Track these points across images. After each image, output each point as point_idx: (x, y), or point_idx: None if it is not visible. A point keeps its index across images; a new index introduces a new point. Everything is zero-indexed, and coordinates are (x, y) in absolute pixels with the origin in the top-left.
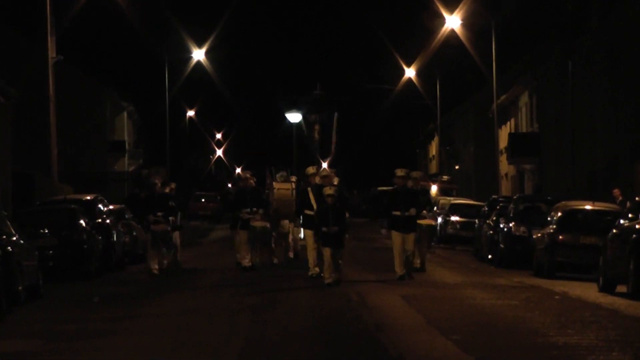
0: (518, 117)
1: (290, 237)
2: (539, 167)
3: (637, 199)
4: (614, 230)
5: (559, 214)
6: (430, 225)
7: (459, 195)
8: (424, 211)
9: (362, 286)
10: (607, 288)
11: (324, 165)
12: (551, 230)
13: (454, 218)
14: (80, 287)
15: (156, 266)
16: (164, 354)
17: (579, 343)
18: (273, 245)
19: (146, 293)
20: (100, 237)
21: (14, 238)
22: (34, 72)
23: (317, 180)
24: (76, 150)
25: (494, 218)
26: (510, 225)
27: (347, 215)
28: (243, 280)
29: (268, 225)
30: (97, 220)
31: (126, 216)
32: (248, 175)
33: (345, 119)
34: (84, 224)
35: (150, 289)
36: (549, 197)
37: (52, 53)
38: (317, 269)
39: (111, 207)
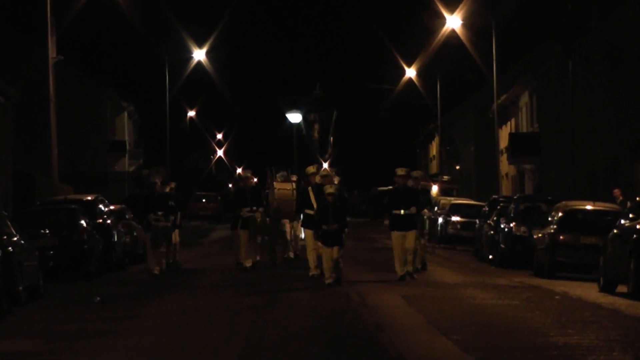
0: (518, 117)
1: (289, 237)
2: (539, 167)
3: (637, 199)
4: (615, 230)
5: (560, 214)
6: (429, 218)
7: (459, 195)
8: (425, 210)
9: (362, 286)
10: (608, 288)
11: (325, 165)
12: (552, 230)
13: (454, 218)
14: (81, 287)
15: (157, 267)
16: (164, 354)
17: (580, 343)
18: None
19: (146, 293)
20: (100, 238)
21: (15, 238)
22: (34, 72)
23: (318, 179)
24: (76, 150)
25: (495, 218)
26: (511, 225)
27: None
28: (243, 281)
29: (267, 219)
30: (98, 221)
31: (126, 216)
32: (249, 175)
33: (345, 119)
34: (84, 224)
35: (150, 289)
36: (549, 197)
37: (52, 53)
38: (317, 270)
39: (112, 207)
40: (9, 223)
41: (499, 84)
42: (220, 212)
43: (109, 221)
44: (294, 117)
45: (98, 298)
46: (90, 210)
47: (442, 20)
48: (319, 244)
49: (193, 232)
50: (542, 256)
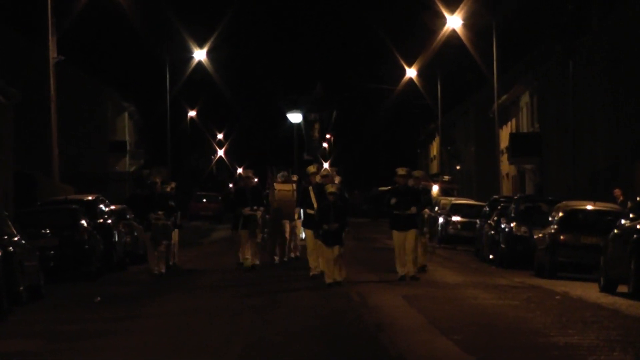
0: (519, 117)
1: (288, 237)
2: (539, 167)
3: (637, 199)
4: (615, 231)
5: (560, 214)
6: (430, 215)
7: (460, 195)
8: (426, 210)
9: (363, 286)
10: (608, 288)
11: (325, 164)
12: (552, 231)
13: (455, 218)
14: (82, 287)
15: (157, 267)
16: (165, 354)
17: (580, 343)
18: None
19: (147, 293)
20: (101, 238)
21: (15, 238)
22: (34, 72)
23: (318, 179)
24: (77, 150)
25: (495, 218)
26: (512, 225)
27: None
28: (244, 281)
29: (267, 215)
30: (99, 221)
31: (127, 216)
32: (250, 174)
33: (345, 119)
34: (85, 225)
35: (151, 289)
36: (550, 197)
37: (53, 53)
38: (318, 269)
39: (112, 207)
40: (9, 223)
41: (499, 84)
42: (221, 213)
43: (109, 221)
44: (295, 117)
45: (99, 298)
46: (91, 211)
47: (443, 20)
48: (320, 243)
49: (194, 232)
50: (542, 256)
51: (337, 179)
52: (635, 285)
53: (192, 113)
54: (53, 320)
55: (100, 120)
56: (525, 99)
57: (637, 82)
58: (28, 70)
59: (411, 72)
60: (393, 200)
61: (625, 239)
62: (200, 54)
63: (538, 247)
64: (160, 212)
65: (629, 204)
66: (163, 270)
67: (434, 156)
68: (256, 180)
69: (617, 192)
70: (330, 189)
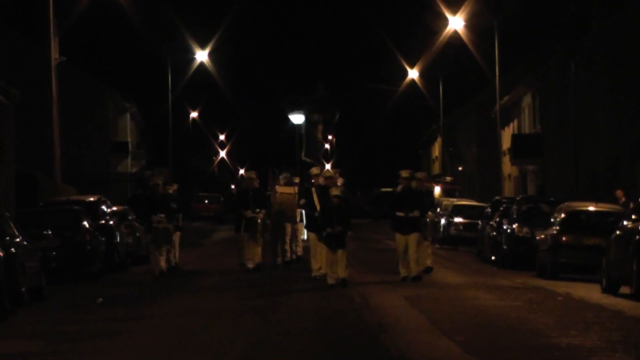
0: (521, 118)
1: (289, 238)
2: (541, 168)
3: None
4: (617, 232)
5: (562, 215)
6: (432, 220)
7: (461, 196)
8: (429, 212)
9: (364, 287)
10: (610, 289)
11: (327, 166)
12: (554, 232)
13: (456, 219)
14: (83, 288)
15: (159, 268)
16: (166, 355)
17: (582, 344)
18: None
19: (149, 294)
20: (103, 238)
21: (17, 239)
22: (34, 72)
23: (321, 181)
24: (78, 151)
25: (497, 219)
26: (513, 226)
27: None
28: (245, 282)
29: (268, 221)
30: (100, 222)
31: (129, 217)
32: (253, 176)
33: (347, 120)
34: (87, 225)
35: (152, 290)
36: (551, 198)
37: (55, 54)
38: (320, 271)
39: (114, 208)
40: (11, 224)
41: (501, 85)
42: (222, 213)
43: (111, 222)
44: (297, 118)
45: (100, 299)
46: (93, 211)
47: (445, 21)
48: (323, 245)
49: (195, 233)
50: (544, 257)
51: (339, 181)
52: (637, 286)
53: (194, 114)
54: (55, 321)
55: (101, 120)
56: (527, 99)
57: (637, 82)
58: (28, 71)
59: (413, 73)
60: (399, 188)
61: (627, 240)
62: (201, 55)
63: (540, 248)
64: (161, 215)
65: (631, 205)
66: (165, 270)
67: (436, 157)
68: (258, 181)
69: (619, 193)
70: (335, 191)
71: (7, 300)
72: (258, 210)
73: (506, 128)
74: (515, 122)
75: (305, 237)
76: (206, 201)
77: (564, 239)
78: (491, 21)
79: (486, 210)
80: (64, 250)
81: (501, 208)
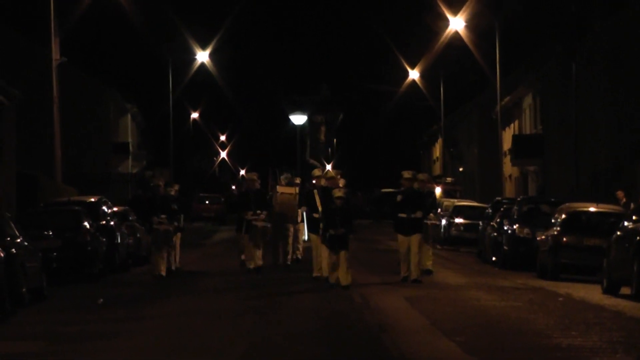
0: (522, 119)
1: (291, 240)
2: (542, 169)
3: None
4: (618, 232)
5: (563, 215)
6: (435, 225)
7: (462, 197)
8: (431, 214)
9: (365, 288)
10: (611, 290)
11: (328, 167)
12: (555, 232)
13: (457, 220)
14: (84, 288)
15: (160, 269)
16: (166, 355)
17: (583, 345)
18: (278, 245)
19: (149, 295)
20: (104, 239)
21: (18, 240)
22: (35, 73)
23: (323, 182)
24: (78, 151)
25: (498, 220)
26: (514, 227)
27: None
28: (246, 283)
29: (268, 225)
30: (101, 222)
31: (130, 218)
32: (254, 177)
33: (348, 120)
34: (87, 226)
35: (153, 290)
36: (552, 199)
37: (55, 55)
38: (321, 271)
39: (115, 209)
40: (12, 224)
41: (502, 86)
42: (223, 214)
43: (112, 223)
44: (298, 119)
45: (101, 300)
46: (94, 212)
47: (445, 22)
48: (324, 247)
49: (196, 233)
50: (545, 258)
51: (341, 182)
52: (638, 287)
53: (194, 114)
54: (55, 321)
55: (102, 121)
56: (528, 100)
57: (637, 82)
58: (29, 71)
59: (414, 74)
60: (399, 198)
61: (628, 241)
62: (202, 56)
63: (541, 248)
64: (162, 216)
65: (632, 206)
66: (164, 274)
67: (437, 158)
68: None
69: (620, 193)
70: (338, 193)
71: (7, 301)
72: (259, 211)
73: (507, 129)
74: (516, 122)
75: (306, 238)
76: (207, 202)
77: (564, 239)
78: (492, 22)
79: (487, 211)
80: (65, 250)
81: (502, 209)
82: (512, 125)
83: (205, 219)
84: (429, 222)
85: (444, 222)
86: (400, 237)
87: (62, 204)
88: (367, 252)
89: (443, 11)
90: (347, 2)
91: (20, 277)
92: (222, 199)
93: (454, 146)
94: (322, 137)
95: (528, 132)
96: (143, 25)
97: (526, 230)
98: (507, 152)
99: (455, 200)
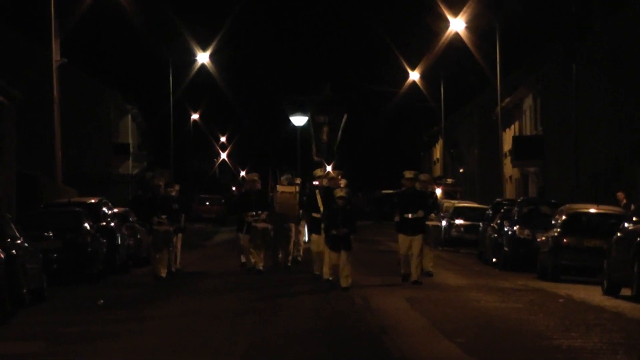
0: (522, 120)
1: (292, 240)
2: (543, 170)
3: None
4: (618, 234)
5: (563, 216)
6: (436, 227)
7: (463, 198)
8: (432, 214)
9: (365, 289)
10: (611, 291)
11: (329, 167)
12: (555, 233)
13: (458, 221)
14: (84, 289)
15: (160, 269)
16: (166, 356)
17: (583, 346)
18: (278, 245)
19: (149, 296)
20: (104, 240)
21: (18, 241)
22: (35, 73)
23: (325, 182)
24: (78, 152)
25: (498, 221)
26: (515, 228)
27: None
28: (246, 283)
29: (269, 227)
30: (102, 223)
31: (130, 219)
32: (255, 178)
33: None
34: (88, 227)
35: (153, 291)
36: (553, 200)
37: (56, 55)
38: (318, 270)
39: (115, 210)
40: (12, 225)
41: (502, 87)
42: (224, 215)
43: (112, 224)
44: (298, 120)
45: (101, 301)
46: (94, 213)
47: (446, 23)
48: (326, 247)
49: (196, 234)
50: (545, 259)
51: (342, 183)
52: (638, 288)
53: (195, 115)
54: (55, 322)
55: (102, 122)
56: (528, 101)
57: (638, 82)
58: (29, 71)
59: (414, 75)
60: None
61: (628, 242)
62: (203, 57)
63: (541, 249)
64: (163, 216)
65: (632, 207)
66: (163, 275)
67: (437, 159)
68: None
69: (620, 195)
70: (340, 193)
71: (8, 302)
72: (260, 212)
73: (507, 130)
74: (517, 123)
75: (307, 239)
76: (207, 203)
77: (565, 240)
78: (492, 22)
79: (487, 212)
80: (65, 252)
81: (502, 210)
82: (512, 126)
83: (205, 220)
84: (429, 223)
85: (444, 223)
86: (401, 236)
87: (62, 205)
88: (367, 253)
89: (443, 12)
90: (347, 2)
91: (21, 278)
92: (223, 200)
93: (454, 147)
94: (325, 137)
95: (528, 133)
96: (143, 25)
97: (526, 232)
98: (508, 153)
99: (456, 201)
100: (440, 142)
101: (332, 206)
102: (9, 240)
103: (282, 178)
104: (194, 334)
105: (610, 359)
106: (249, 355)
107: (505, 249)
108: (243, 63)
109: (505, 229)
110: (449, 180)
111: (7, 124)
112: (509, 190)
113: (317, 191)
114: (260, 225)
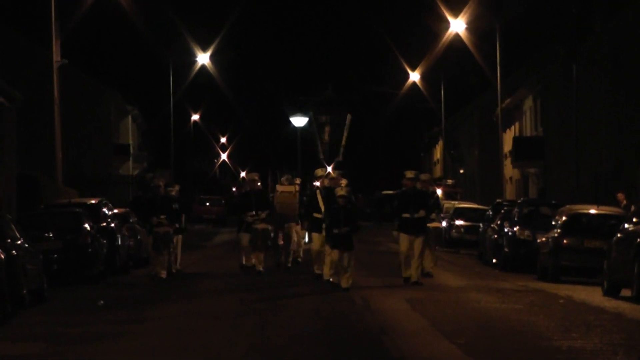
0: (522, 121)
1: (294, 240)
2: (543, 171)
3: None
4: (619, 234)
5: (564, 217)
6: (437, 228)
7: (463, 199)
8: (433, 214)
9: (366, 290)
10: (612, 292)
11: (329, 168)
12: (555, 234)
13: (458, 222)
14: (85, 290)
15: (160, 270)
16: (167, 357)
17: (583, 347)
18: (279, 245)
19: (150, 296)
20: (104, 241)
21: (19, 241)
22: (36, 74)
23: (326, 182)
24: (79, 153)
25: (499, 222)
26: (515, 229)
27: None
28: (246, 284)
29: (269, 227)
30: (102, 224)
31: (130, 220)
32: (255, 178)
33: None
34: (88, 228)
35: (154, 292)
36: (553, 201)
37: (56, 56)
38: (319, 270)
39: (115, 210)
40: (13, 226)
41: (503, 88)
42: (224, 216)
43: (113, 225)
44: (298, 121)
45: (102, 301)
46: (95, 214)
47: (446, 24)
48: (327, 247)
49: (197, 235)
50: (546, 260)
51: (343, 182)
52: (638, 289)
53: (195, 116)
54: (56, 323)
55: (102, 122)
56: (529, 102)
57: (638, 83)
58: (29, 72)
59: (414, 75)
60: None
61: (628, 243)
62: (203, 58)
63: (541, 250)
64: (162, 216)
65: (632, 208)
66: (163, 276)
67: (437, 160)
68: (260, 183)
69: (621, 195)
70: (340, 192)
71: (8, 302)
72: (260, 212)
73: (508, 131)
74: (517, 124)
75: (307, 239)
76: (207, 204)
77: (565, 241)
78: (492, 24)
79: (487, 213)
80: (66, 252)
81: (502, 211)
82: (512, 127)
83: (206, 221)
84: (430, 225)
85: (444, 223)
86: (402, 235)
87: (63, 206)
88: (368, 254)
89: (444, 13)
90: (347, 2)
91: (21, 278)
92: (223, 201)
93: (454, 148)
94: (327, 137)
95: (529, 134)
96: (144, 26)
97: (527, 232)
98: (508, 154)
99: (456, 202)
100: (441, 143)
101: (333, 205)
102: (9, 240)
103: (282, 178)
104: (195, 335)
105: None
106: (250, 355)
107: (506, 249)
108: (243, 64)
109: (506, 230)
110: (449, 181)
111: (8, 124)
112: (509, 191)
113: (318, 191)
114: (260, 226)
